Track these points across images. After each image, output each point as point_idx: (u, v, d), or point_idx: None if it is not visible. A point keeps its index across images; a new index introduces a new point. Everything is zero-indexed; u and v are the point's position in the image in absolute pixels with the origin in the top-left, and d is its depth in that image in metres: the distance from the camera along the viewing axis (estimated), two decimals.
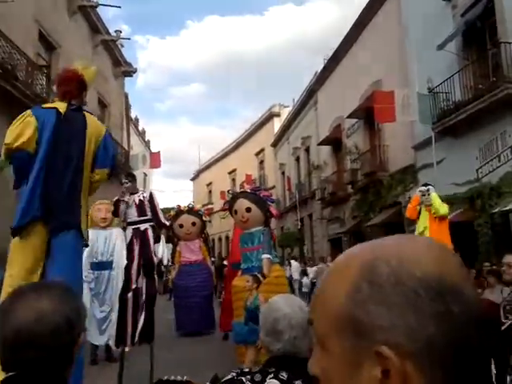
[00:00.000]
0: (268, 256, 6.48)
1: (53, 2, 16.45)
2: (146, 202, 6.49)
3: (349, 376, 0.54)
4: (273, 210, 7.11)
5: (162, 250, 6.68)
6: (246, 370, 1.57)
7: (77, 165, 3.37)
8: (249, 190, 7.18)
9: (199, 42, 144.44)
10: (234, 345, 6.19)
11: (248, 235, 6.66)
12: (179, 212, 9.53)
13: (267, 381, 1.49)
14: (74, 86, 3.56)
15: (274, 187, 29.56)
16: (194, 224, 9.40)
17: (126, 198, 6.50)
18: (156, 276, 6.45)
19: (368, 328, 0.53)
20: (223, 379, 1.55)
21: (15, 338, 1.03)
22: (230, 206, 7.02)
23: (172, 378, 1.95)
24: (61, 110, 3.45)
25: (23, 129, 3.30)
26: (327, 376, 0.57)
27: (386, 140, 16.48)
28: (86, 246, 3.70)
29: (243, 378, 1.50)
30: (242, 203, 6.74)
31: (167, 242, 8.95)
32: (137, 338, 6.10)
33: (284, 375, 1.51)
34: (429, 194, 6.65)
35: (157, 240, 6.61)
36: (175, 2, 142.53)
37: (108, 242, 6.99)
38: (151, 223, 6.46)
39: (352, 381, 0.54)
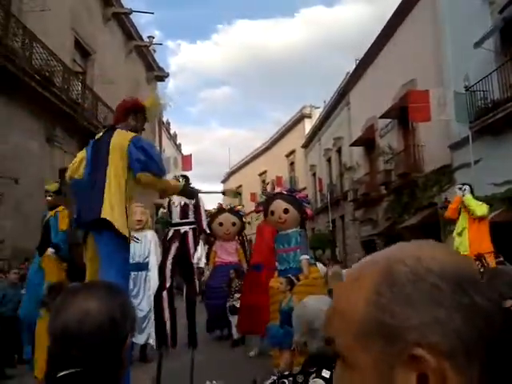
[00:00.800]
0: (307, 257, 6.49)
1: (88, 10, 16.87)
2: (191, 206, 6.52)
3: None
4: (308, 211, 7.10)
5: (200, 253, 6.70)
6: (286, 372, 1.55)
7: (102, 180, 3.66)
8: (285, 192, 7.19)
9: (230, 46, 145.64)
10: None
11: (284, 236, 6.64)
12: (220, 210, 9.38)
13: (311, 381, 1.47)
14: (120, 113, 4.02)
15: (305, 188, 29.40)
16: (233, 224, 9.18)
17: (174, 199, 6.57)
18: (197, 280, 6.49)
19: (396, 331, 0.50)
20: (266, 382, 1.55)
21: (62, 336, 1.06)
22: (265, 208, 7.01)
23: (214, 382, 1.96)
24: (98, 137, 3.93)
25: (74, 160, 4.05)
26: None
27: (421, 140, 16.13)
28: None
29: (285, 381, 1.49)
30: (280, 204, 6.73)
31: (205, 244, 8.96)
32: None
33: (326, 374, 1.50)
34: (463, 194, 6.53)
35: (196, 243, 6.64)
36: (206, 6, 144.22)
37: (144, 244, 7.09)
38: (192, 226, 6.47)
39: None
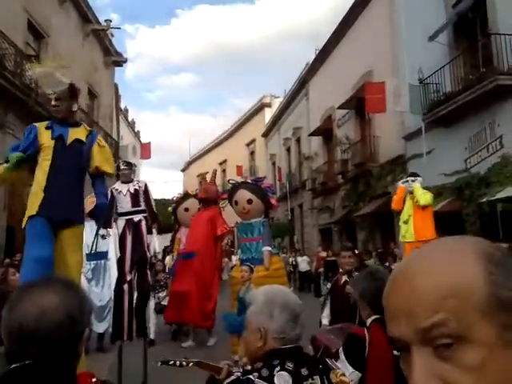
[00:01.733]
0: (269, 248, 6.53)
1: None
2: (141, 193, 6.29)
3: (504, 356, 0.55)
4: (273, 201, 7.13)
5: (154, 243, 6.66)
6: (249, 367, 1.54)
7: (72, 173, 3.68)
8: (249, 181, 7.20)
9: (189, 31, 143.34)
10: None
11: (247, 226, 6.67)
12: (186, 195, 9.26)
13: (276, 374, 1.47)
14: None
15: (264, 178, 29.56)
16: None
17: (118, 186, 6.35)
18: (148, 270, 6.36)
19: None
20: (227, 381, 1.51)
21: (19, 333, 1.04)
22: (229, 196, 7.04)
23: (177, 362, 1.98)
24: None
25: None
26: (481, 370, 0.54)
27: (377, 131, 16.57)
28: None
29: (251, 377, 1.46)
30: (244, 194, 6.73)
31: (159, 233, 8.82)
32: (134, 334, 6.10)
33: (290, 365, 1.50)
34: (412, 181, 6.56)
35: (148, 231, 6.49)
36: None
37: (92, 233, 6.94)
38: (144, 214, 6.29)
39: (506, 360, 0.54)
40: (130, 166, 6.58)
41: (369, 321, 2.31)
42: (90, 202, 7.12)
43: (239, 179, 7.93)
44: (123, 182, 6.38)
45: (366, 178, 16.79)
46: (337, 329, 3.19)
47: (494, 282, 0.56)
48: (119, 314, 5.86)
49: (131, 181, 6.41)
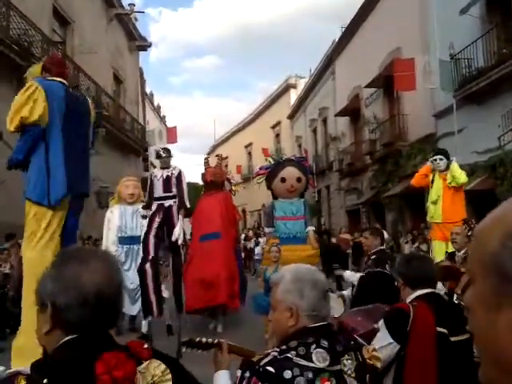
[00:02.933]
0: (313, 228, 6.55)
1: None
2: (173, 179, 6.43)
3: (487, 314, 0.59)
4: (311, 181, 7.11)
5: (179, 230, 6.67)
6: (284, 347, 1.51)
7: (87, 138, 3.60)
8: (294, 158, 7.13)
9: (212, 13, 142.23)
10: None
11: (288, 204, 6.60)
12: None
13: (313, 352, 1.46)
14: (68, 71, 3.92)
15: (306, 157, 29.39)
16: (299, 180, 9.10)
17: (157, 172, 6.55)
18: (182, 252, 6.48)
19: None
20: (263, 361, 1.48)
21: (97, 298, 1.05)
22: (273, 172, 6.89)
23: (203, 339, 1.93)
24: (67, 85, 3.56)
25: (36, 102, 3.30)
26: (471, 307, 0.63)
27: (406, 109, 16.17)
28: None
29: (289, 355, 1.45)
30: (293, 172, 6.64)
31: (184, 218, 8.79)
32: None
33: (325, 342, 1.50)
34: (441, 159, 6.28)
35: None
36: None
37: (136, 218, 7.06)
38: (175, 200, 6.39)
39: (490, 318, 0.58)
40: (169, 152, 6.73)
41: (411, 297, 2.33)
42: (124, 186, 7.25)
43: (280, 157, 7.63)
44: (161, 168, 6.62)
45: (394, 158, 16.48)
46: (366, 310, 3.14)
47: (505, 246, 0.58)
48: (145, 292, 6.03)
49: (168, 167, 6.59)
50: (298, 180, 6.64)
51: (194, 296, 6.65)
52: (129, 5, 21.34)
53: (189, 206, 6.68)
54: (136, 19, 22.79)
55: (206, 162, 7.91)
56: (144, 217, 6.48)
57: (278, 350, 1.50)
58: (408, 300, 2.34)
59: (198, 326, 7.07)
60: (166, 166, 6.58)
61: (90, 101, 3.82)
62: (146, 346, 1.12)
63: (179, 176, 6.50)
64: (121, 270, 1.19)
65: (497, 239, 0.59)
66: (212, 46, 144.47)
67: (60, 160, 3.38)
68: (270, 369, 1.42)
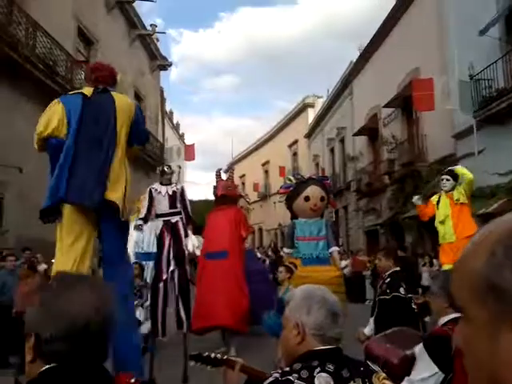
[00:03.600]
0: (337, 248, 6.41)
1: None
2: (178, 196, 6.51)
3: (487, 343, 0.55)
4: (332, 201, 6.98)
5: (195, 242, 6.69)
6: (287, 369, 1.49)
7: (108, 142, 3.40)
8: (316, 177, 7.03)
9: (232, 34, 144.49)
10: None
11: (308, 224, 6.51)
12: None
13: (316, 375, 1.43)
14: (107, 73, 3.70)
15: (327, 177, 29.31)
16: (241, 208, 8.65)
17: (158, 187, 6.56)
18: (188, 266, 6.46)
19: (506, 294, 0.52)
20: (265, 382, 1.46)
21: (85, 328, 1.02)
22: (295, 191, 6.79)
23: (212, 354, 1.91)
24: (87, 94, 3.53)
25: (52, 116, 3.38)
26: (467, 344, 0.58)
27: (425, 129, 16.06)
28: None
29: (290, 378, 1.42)
30: (317, 191, 6.54)
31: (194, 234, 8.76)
32: (175, 328, 6.18)
33: (330, 367, 1.46)
34: (447, 180, 6.30)
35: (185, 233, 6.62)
36: None
37: (153, 234, 7.08)
38: (181, 216, 6.47)
39: (490, 347, 0.54)
40: (170, 168, 6.82)
41: (446, 318, 2.24)
42: (142, 202, 7.27)
43: (302, 176, 7.53)
44: (162, 184, 6.61)
45: (413, 179, 16.30)
46: (390, 335, 3.04)
47: (491, 265, 0.54)
48: (155, 311, 6.00)
49: (170, 183, 6.65)
50: (322, 199, 6.56)
51: (198, 315, 6.51)
52: (151, 25, 21.86)
53: (194, 221, 6.71)
54: (157, 40, 23.30)
55: (218, 175, 7.59)
56: (138, 228, 6.47)
57: (280, 371, 1.48)
58: (443, 320, 2.26)
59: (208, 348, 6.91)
60: (169, 182, 6.64)
61: (118, 96, 3.65)
62: (133, 380, 1.09)
63: (183, 192, 6.58)
64: (112, 298, 1.13)
65: (483, 255, 0.55)
66: (231, 65, 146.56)
67: (62, 170, 3.30)
68: None
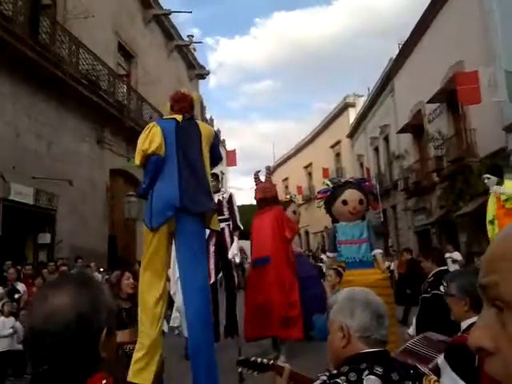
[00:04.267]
0: (380, 251, 6.35)
1: (129, 14, 17.23)
2: (225, 203, 6.57)
3: None
4: (372, 203, 6.90)
5: (234, 249, 6.66)
6: (335, 371, 1.47)
7: (200, 163, 3.98)
8: (353, 180, 6.97)
9: (268, 38, 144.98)
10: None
11: (349, 227, 6.43)
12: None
13: (365, 378, 1.40)
14: (187, 104, 4.31)
15: (368, 179, 28.85)
16: (294, 213, 8.52)
17: None
18: (234, 273, 6.50)
19: None
20: None
21: (30, 336, 1.04)
22: (332, 195, 6.75)
23: (259, 359, 1.90)
24: (178, 120, 4.11)
25: (153, 137, 3.92)
26: (499, 344, 0.52)
27: (473, 123, 15.42)
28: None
29: (338, 380, 1.41)
30: (355, 195, 6.47)
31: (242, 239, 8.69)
32: (222, 333, 6.16)
33: (379, 370, 1.42)
34: (487, 178, 6.29)
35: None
36: (243, 1, 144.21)
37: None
38: (228, 223, 6.51)
39: None
40: (216, 177, 6.83)
41: (468, 322, 2.11)
42: None
43: (339, 179, 7.41)
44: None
45: (464, 175, 15.66)
46: (420, 340, 2.92)
47: None
48: None
49: (218, 191, 6.70)
50: (360, 202, 6.46)
51: (251, 324, 6.43)
52: (188, 36, 22.21)
53: (242, 227, 6.75)
54: (195, 49, 23.63)
55: (257, 178, 7.42)
56: None
57: (328, 374, 1.46)
58: (465, 324, 2.14)
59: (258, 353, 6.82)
60: (215, 190, 6.67)
61: (201, 124, 4.26)
62: (104, 381, 1.03)
63: (230, 199, 6.67)
64: (92, 294, 1.09)
65: None
66: (268, 69, 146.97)
67: (170, 184, 3.83)
68: None
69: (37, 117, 11.29)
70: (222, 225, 6.42)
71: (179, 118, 4.11)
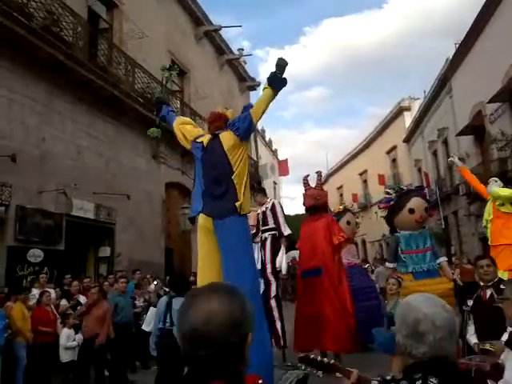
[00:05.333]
0: (446, 258, 6.29)
1: (181, 32, 17.75)
2: (268, 212, 6.62)
3: None
4: (431, 211, 6.83)
5: (280, 259, 6.55)
6: (388, 377, 1.48)
7: (225, 179, 4.34)
8: (413, 188, 6.92)
9: (318, 46, 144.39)
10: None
11: (413, 236, 6.30)
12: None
13: None
14: (222, 122, 4.66)
15: (410, 185, 27.97)
16: (348, 223, 8.45)
17: (255, 209, 6.77)
18: (275, 283, 6.49)
19: None
20: None
21: (190, 337, 1.14)
22: (398, 204, 6.62)
23: (319, 357, 1.91)
24: (204, 143, 4.55)
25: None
26: None
27: None
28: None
29: None
30: (421, 203, 6.46)
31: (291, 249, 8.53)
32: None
33: (434, 381, 1.38)
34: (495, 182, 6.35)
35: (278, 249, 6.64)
36: (291, 11, 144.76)
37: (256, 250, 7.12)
38: (272, 232, 6.53)
39: None
40: (261, 190, 7.27)
41: None
42: (253, 217, 7.22)
43: (399, 187, 7.22)
44: (261, 205, 6.97)
45: None
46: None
47: None
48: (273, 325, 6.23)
49: (265, 202, 6.93)
50: (426, 210, 6.33)
51: (302, 336, 6.29)
52: (238, 50, 22.53)
53: (288, 233, 6.62)
54: (245, 62, 23.92)
55: (306, 183, 7.12)
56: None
57: (381, 379, 1.48)
58: None
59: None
60: (261, 201, 6.95)
61: (223, 135, 4.54)
62: (260, 381, 1.16)
63: (273, 208, 6.69)
64: (241, 300, 1.21)
65: None
66: (319, 76, 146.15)
67: (198, 192, 4.52)
68: None
69: (96, 135, 11.82)
70: (265, 234, 6.50)
71: (206, 139, 4.58)
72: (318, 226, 6.65)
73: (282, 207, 6.93)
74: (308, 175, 7.26)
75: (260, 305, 4.14)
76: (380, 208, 7.15)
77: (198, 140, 4.66)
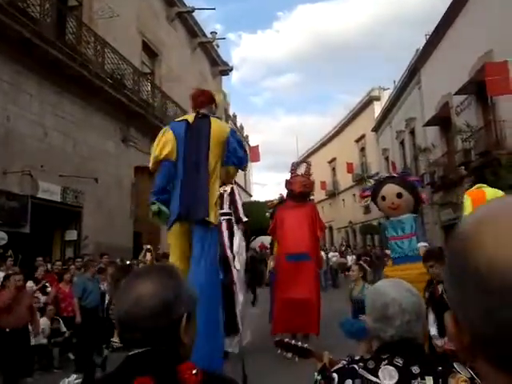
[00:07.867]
0: (426, 244, 6.24)
1: (153, 12, 17.37)
2: (226, 196, 6.52)
3: None
4: (423, 195, 6.75)
5: (237, 244, 6.55)
6: (357, 357, 1.51)
7: (205, 166, 4.02)
8: (395, 175, 6.88)
9: (291, 32, 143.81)
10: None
11: (397, 223, 6.33)
12: (283, 200, 9.10)
13: (382, 367, 1.42)
14: (207, 96, 4.37)
15: (377, 174, 28.52)
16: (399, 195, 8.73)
17: None
18: (234, 269, 6.41)
19: None
20: (333, 368, 1.51)
21: (122, 320, 1.13)
22: (373, 192, 6.69)
23: (293, 341, 1.93)
24: (190, 121, 4.14)
25: (166, 143, 4.07)
26: None
27: (503, 115, 14.99)
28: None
29: (355, 366, 1.45)
30: (392, 189, 6.39)
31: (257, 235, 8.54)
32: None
33: (399, 361, 1.43)
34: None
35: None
36: None
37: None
38: (227, 217, 6.44)
39: None
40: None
41: None
42: None
43: (382, 174, 7.34)
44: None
45: (493, 168, 15.27)
46: None
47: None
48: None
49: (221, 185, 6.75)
50: (398, 196, 6.34)
51: (284, 320, 6.37)
52: (211, 33, 22.25)
53: (245, 219, 6.66)
54: (218, 46, 23.66)
55: (293, 169, 7.24)
56: None
57: (350, 359, 1.51)
58: None
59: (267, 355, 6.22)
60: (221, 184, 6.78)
61: (214, 121, 4.23)
62: (195, 371, 1.08)
63: (232, 193, 6.60)
64: (175, 282, 1.16)
65: None
66: (291, 63, 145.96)
67: (177, 191, 4.02)
68: (335, 375, 1.47)
69: (63, 116, 11.53)
70: (220, 219, 6.39)
71: (191, 117, 4.18)
72: (303, 212, 6.82)
73: (239, 193, 6.92)
74: (296, 162, 7.42)
75: (216, 293, 4.03)
76: (361, 197, 7.35)
77: (180, 119, 4.43)
